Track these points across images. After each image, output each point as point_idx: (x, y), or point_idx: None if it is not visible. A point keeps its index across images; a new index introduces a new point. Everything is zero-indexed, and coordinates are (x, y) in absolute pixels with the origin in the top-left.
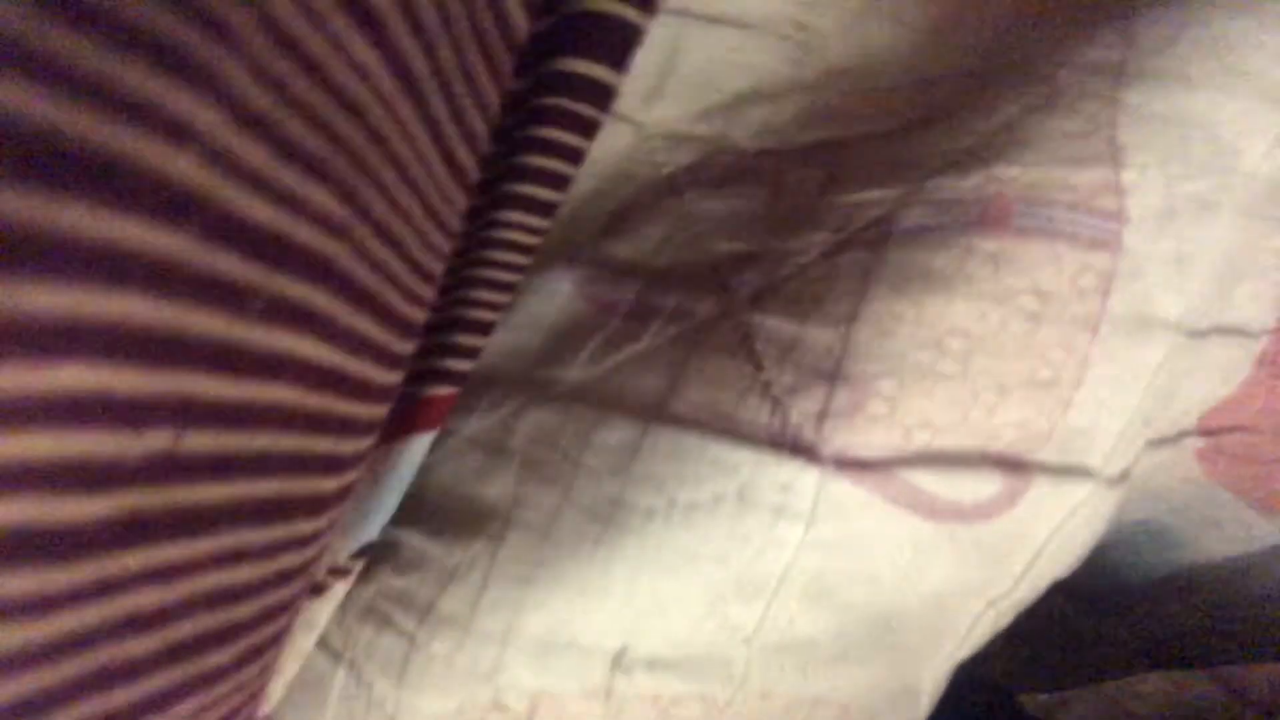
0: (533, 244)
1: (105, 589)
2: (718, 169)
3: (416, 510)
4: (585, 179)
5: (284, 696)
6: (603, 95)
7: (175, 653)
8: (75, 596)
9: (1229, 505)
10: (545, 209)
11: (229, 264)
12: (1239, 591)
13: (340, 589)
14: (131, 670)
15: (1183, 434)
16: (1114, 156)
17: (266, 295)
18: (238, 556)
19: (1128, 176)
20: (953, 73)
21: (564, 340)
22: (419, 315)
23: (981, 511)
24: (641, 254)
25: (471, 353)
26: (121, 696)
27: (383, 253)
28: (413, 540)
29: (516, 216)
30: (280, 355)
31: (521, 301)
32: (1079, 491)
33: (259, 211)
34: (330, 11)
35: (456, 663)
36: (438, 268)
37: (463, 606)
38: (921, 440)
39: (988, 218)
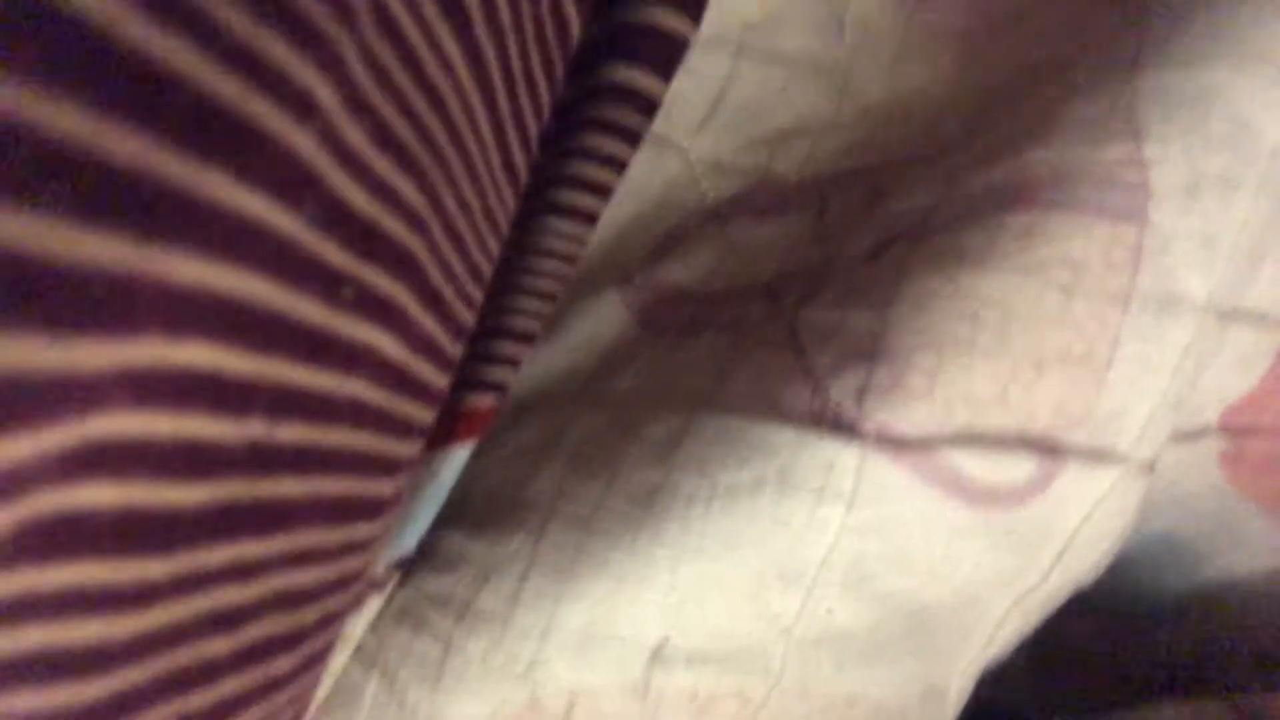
0: (574, 253)
1: (195, 583)
2: (762, 198)
3: (459, 515)
4: (630, 201)
5: (315, 709)
6: (648, 105)
7: (249, 655)
8: (169, 589)
9: (1253, 518)
10: (587, 218)
11: (329, 250)
12: (1261, 612)
13: (375, 603)
14: (210, 672)
15: (1205, 429)
16: (1134, 133)
17: (356, 285)
18: (307, 557)
19: (1149, 151)
20: (977, 90)
21: (617, 359)
22: (470, 319)
23: (1016, 496)
24: (693, 279)
25: (513, 361)
26: (198, 699)
27: (448, 250)
28: (451, 541)
29: (560, 224)
30: (361, 348)
31: (574, 324)
32: (1108, 476)
33: (357, 198)
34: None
35: (493, 661)
36: (488, 271)
37: (501, 602)
38: (963, 418)
39: (1017, 197)
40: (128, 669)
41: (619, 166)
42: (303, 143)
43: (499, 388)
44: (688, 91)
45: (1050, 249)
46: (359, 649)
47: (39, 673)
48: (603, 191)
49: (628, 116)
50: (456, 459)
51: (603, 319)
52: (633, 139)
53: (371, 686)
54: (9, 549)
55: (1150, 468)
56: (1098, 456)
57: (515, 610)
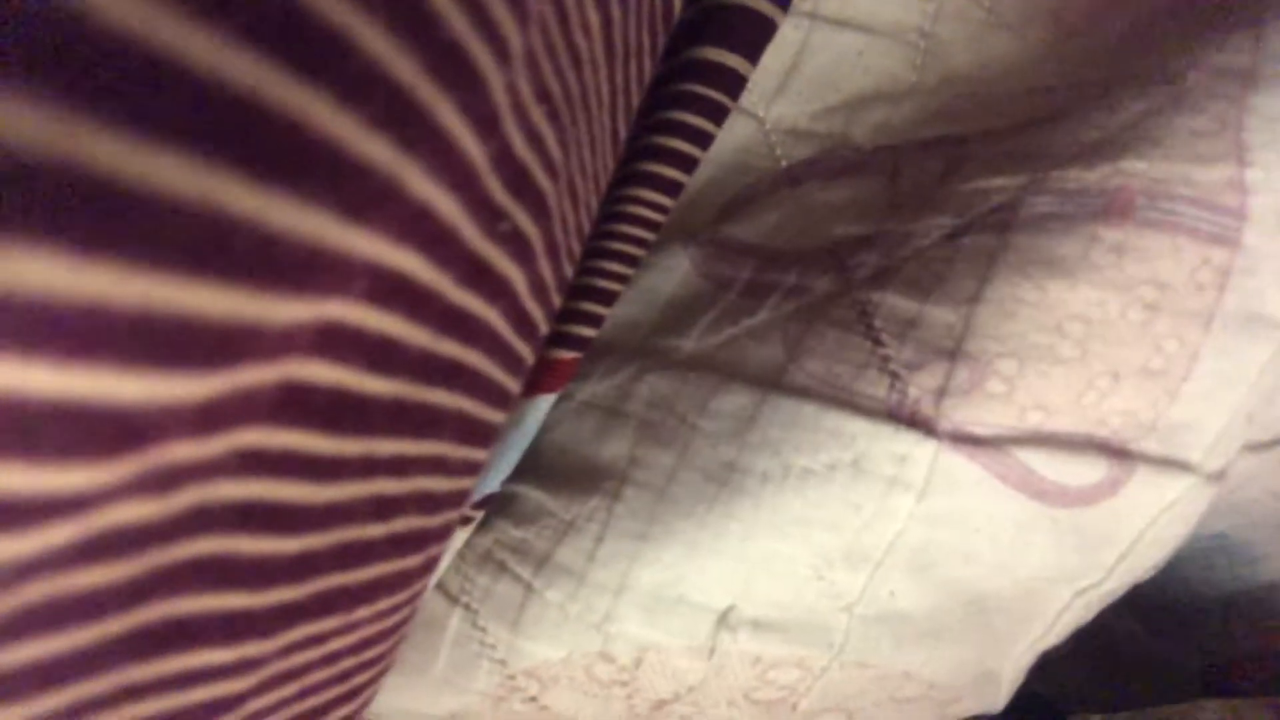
0: (658, 220)
1: (369, 469)
2: (836, 163)
3: (534, 467)
4: (704, 166)
5: None
6: (735, 84)
7: (394, 544)
8: (352, 470)
9: None
10: (673, 188)
11: (495, 186)
12: None
13: (461, 536)
14: (367, 552)
15: (1276, 441)
16: (1239, 155)
17: (510, 222)
18: (442, 466)
19: (1251, 175)
20: (1070, 82)
21: (680, 313)
22: (570, 274)
23: (1085, 496)
24: (758, 236)
25: (596, 320)
26: (356, 576)
27: (567, 204)
28: (531, 494)
29: (646, 193)
30: (503, 280)
31: (638, 277)
32: (1178, 485)
33: (517, 141)
34: None
35: (569, 611)
36: (588, 231)
37: (578, 558)
38: (1034, 420)
39: (1113, 208)
40: (313, 534)
41: (705, 141)
42: (497, 85)
43: (582, 343)
44: (763, 58)
45: (1139, 267)
46: (443, 584)
47: (257, 523)
48: (688, 164)
49: (715, 94)
50: (541, 408)
51: (668, 270)
52: (719, 115)
53: (455, 620)
54: (263, 408)
55: (1220, 478)
56: (1168, 465)
57: (591, 567)
